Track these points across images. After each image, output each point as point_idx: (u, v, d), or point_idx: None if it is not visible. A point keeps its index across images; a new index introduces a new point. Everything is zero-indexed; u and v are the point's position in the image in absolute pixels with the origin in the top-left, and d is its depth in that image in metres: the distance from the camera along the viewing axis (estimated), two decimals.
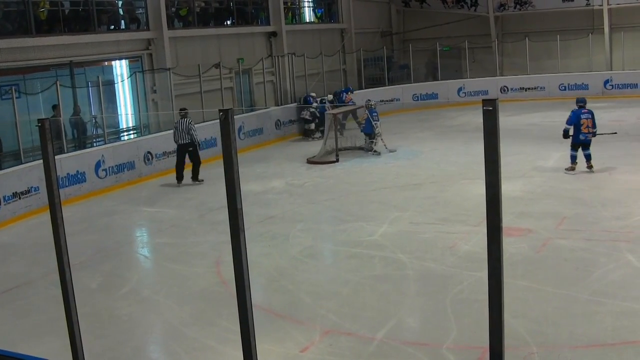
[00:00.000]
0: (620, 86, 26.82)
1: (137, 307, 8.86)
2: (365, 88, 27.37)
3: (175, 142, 16.01)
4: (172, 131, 16.34)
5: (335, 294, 8.75)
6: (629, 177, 13.98)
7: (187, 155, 16.08)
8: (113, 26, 19.10)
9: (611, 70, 28.04)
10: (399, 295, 8.68)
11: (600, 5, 28.52)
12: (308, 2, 29.14)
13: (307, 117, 22.63)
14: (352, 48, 28.97)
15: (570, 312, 7.68)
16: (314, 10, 29.39)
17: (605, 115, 22.28)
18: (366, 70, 28.57)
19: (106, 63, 19.30)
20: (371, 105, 18.76)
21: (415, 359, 6.89)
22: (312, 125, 22.52)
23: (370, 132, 18.51)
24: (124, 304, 8.93)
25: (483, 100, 3.00)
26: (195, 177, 16.17)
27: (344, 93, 23.53)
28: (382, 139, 18.41)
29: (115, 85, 19.08)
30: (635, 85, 26.52)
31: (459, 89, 28.30)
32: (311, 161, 17.99)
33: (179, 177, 16.06)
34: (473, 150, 16.74)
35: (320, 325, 7.76)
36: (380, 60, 29.09)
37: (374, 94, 24.74)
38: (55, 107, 15.93)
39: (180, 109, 16.49)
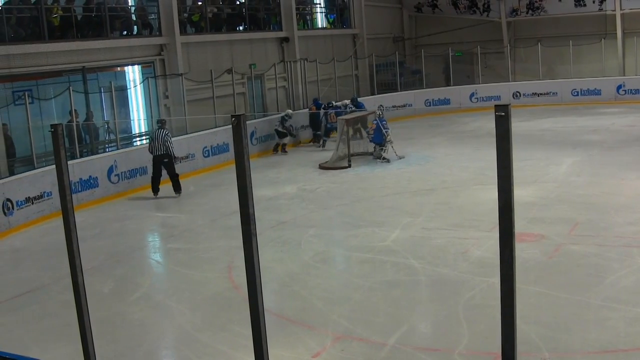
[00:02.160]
0: (633, 91, 26.62)
1: (149, 312, 8.88)
2: (378, 93, 27.36)
3: (150, 152, 15.48)
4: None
5: (347, 300, 8.74)
6: None
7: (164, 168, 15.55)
8: (125, 32, 19.19)
9: (624, 75, 27.88)
10: (410, 300, 8.66)
11: (612, 10, 28.36)
12: (320, 7, 29.20)
13: (279, 129, 20.65)
14: (365, 53, 28.96)
15: (582, 318, 7.63)
16: (326, 16, 29.44)
17: (618, 121, 22.22)
18: (378, 76, 28.56)
19: (119, 68, 19.42)
20: (380, 114, 18.58)
21: None
22: (286, 140, 20.87)
23: (380, 142, 18.35)
24: (136, 309, 8.96)
25: (495, 105, 2.99)
26: (176, 189, 15.57)
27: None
28: (392, 146, 18.33)
29: (128, 90, 19.21)
30: None
31: (471, 95, 28.23)
32: (323, 167, 17.99)
33: (155, 190, 15.54)
34: (485, 156, 16.73)
35: (332, 331, 7.75)
36: (393, 66, 29.02)
37: (386, 100, 24.70)
38: (75, 113, 16.06)
39: (158, 120, 16.39)
